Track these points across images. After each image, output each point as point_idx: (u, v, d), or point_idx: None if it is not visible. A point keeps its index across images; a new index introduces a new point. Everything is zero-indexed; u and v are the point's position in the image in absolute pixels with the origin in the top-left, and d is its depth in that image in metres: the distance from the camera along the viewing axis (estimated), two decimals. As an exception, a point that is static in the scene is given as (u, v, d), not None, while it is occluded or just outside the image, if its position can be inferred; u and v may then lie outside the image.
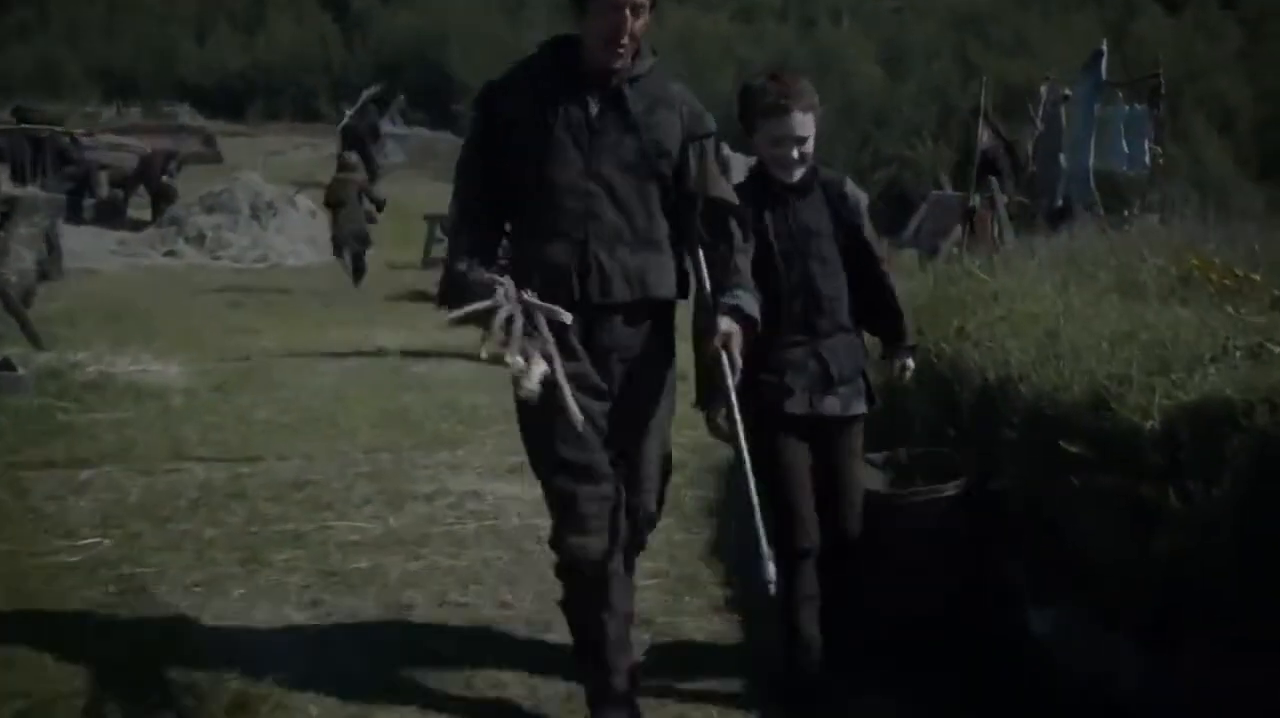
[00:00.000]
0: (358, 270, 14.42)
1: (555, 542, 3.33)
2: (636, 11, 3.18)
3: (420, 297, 12.69)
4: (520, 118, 3.27)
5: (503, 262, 3.32)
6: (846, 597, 3.71)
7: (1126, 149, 14.78)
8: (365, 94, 24.93)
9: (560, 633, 3.76)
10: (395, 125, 33.87)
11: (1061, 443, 3.51)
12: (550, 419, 3.14)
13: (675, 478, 3.76)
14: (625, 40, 3.21)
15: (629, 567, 3.48)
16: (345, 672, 3.82)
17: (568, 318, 3.12)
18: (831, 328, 3.67)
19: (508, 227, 3.42)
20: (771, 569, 2.98)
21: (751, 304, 3.32)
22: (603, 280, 3.26)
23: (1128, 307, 4.66)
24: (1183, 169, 23.96)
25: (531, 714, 3.61)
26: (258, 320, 12.03)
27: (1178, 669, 3.22)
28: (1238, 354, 3.53)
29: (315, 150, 28.20)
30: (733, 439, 3.23)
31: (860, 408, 3.74)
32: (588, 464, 3.24)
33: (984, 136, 13.23)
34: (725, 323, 3.26)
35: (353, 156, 15.61)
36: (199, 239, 19.35)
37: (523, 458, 3.50)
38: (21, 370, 7.81)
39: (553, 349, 3.06)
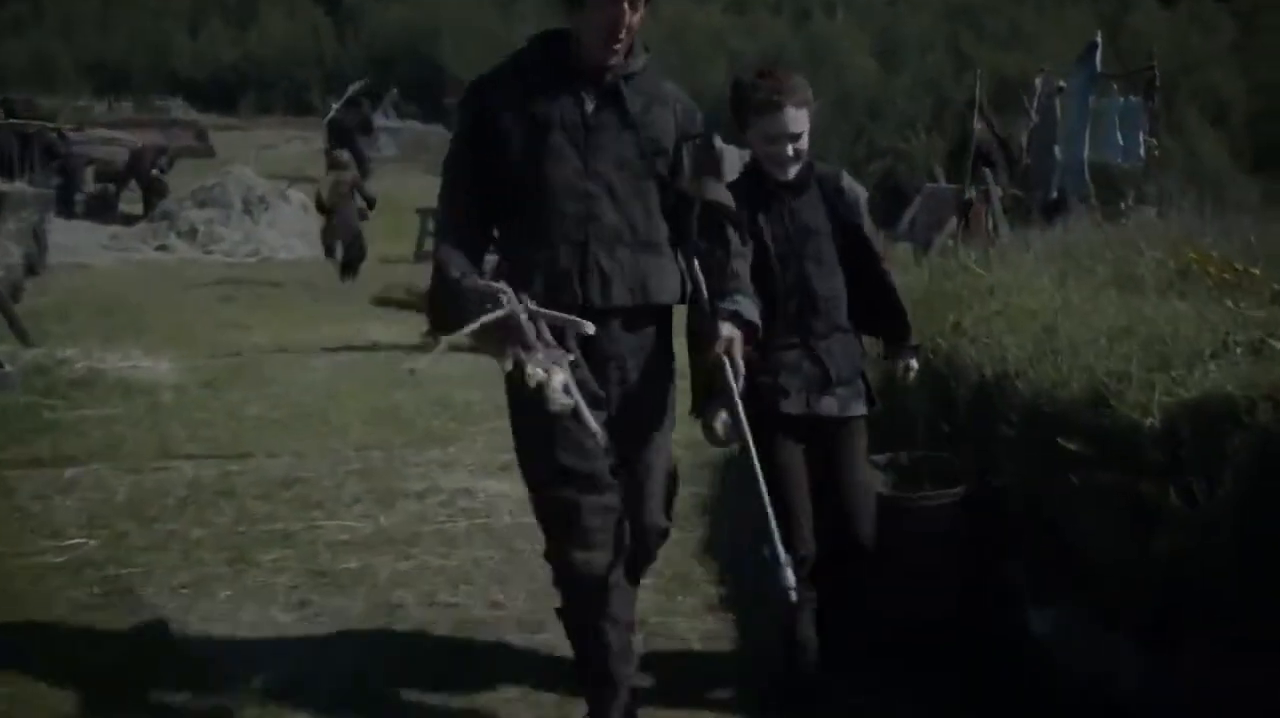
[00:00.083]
0: (347, 265, 14.38)
1: (555, 556, 3.21)
2: (634, 4, 3.07)
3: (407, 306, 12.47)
4: (512, 116, 3.14)
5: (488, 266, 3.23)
6: (849, 599, 3.65)
7: (1121, 141, 14.75)
8: (351, 88, 24.92)
9: (553, 634, 3.71)
10: (388, 119, 33.81)
11: (1060, 440, 3.46)
12: (551, 426, 3.04)
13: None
14: (623, 35, 3.10)
15: (634, 580, 3.39)
16: (333, 675, 3.77)
17: (589, 328, 2.98)
18: (827, 329, 3.59)
19: (495, 232, 3.29)
20: (790, 576, 2.90)
21: (751, 309, 3.23)
22: (604, 284, 3.14)
23: (1126, 301, 4.61)
24: (1177, 161, 23.92)
25: (524, 719, 3.55)
26: (249, 315, 11.97)
27: (1178, 669, 3.18)
28: (1238, 350, 3.48)
29: (307, 144, 28.06)
30: (741, 445, 3.13)
31: (859, 409, 3.66)
32: (591, 473, 3.12)
33: (978, 129, 13.18)
34: (727, 328, 3.17)
35: (344, 154, 15.58)
36: (191, 234, 19.31)
37: (515, 455, 3.37)
38: (9, 367, 7.76)
39: (572, 357, 2.97)
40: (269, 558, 4.75)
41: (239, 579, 4.53)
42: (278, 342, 10.15)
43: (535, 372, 2.86)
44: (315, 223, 16.69)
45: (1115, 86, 15.49)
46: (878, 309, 3.70)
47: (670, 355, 3.33)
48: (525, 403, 3.10)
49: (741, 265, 3.28)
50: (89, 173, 20.38)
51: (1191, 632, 3.11)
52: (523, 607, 4.30)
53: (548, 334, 2.95)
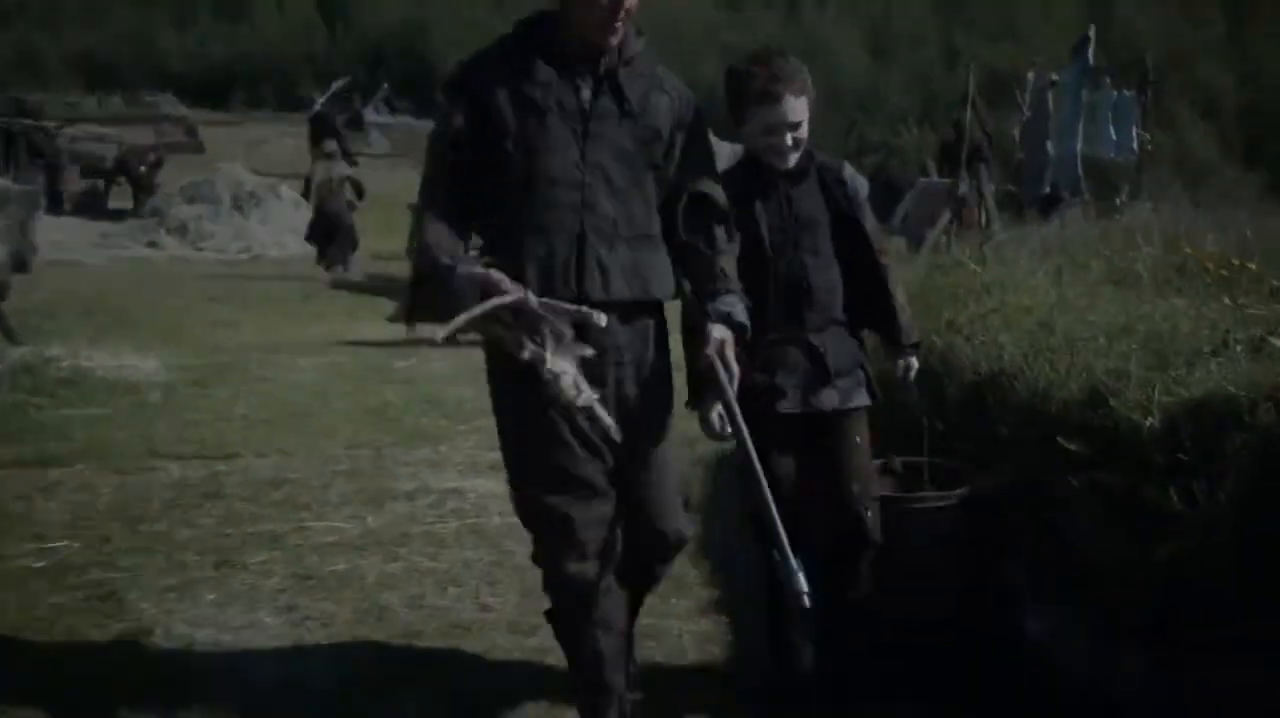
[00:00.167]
0: (336, 255, 14.41)
1: (546, 564, 3.12)
2: None
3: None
4: (504, 101, 2.97)
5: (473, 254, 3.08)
6: (850, 597, 3.54)
7: (1114, 135, 14.75)
8: (335, 84, 24.95)
9: (543, 638, 3.65)
10: (379, 114, 33.81)
11: (1060, 440, 3.40)
12: (546, 428, 2.96)
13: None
14: (623, 17, 2.96)
15: (647, 589, 3.31)
16: (320, 681, 3.71)
17: (603, 319, 2.85)
18: (822, 322, 3.48)
19: (479, 220, 3.12)
20: (803, 581, 2.78)
21: (742, 311, 3.11)
22: (603, 276, 2.99)
23: (1123, 298, 4.57)
24: (1168, 155, 23.94)
25: (513, 725, 3.49)
26: (239, 313, 11.91)
27: (1178, 670, 3.13)
28: (1239, 348, 3.43)
29: (298, 140, 27.88)
30: (740, 451, 3.01)
31: (862, 400, 3.53)
32: (588, 481, 3.01)
33: (969, 123, 13.15)
34: (719, 330, 3.05)
35: (331, 144, 15.60)
36: (181, 230, 19.26)
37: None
38: (-5, 366, 7.69)
39: (591, 351, 2.86)
40: (256, 561, 4.68)
41: (225, 583, 4.47)
42: (267, 340, 10.08)
43: (555, 365, 2.77)
44: (306, 219, 16.66)
45: (1108, 80, 15.48)
46: (874, 305, 3.59)
47: (667, 350, 3.20)
48: (514, 401, 3.04)
49: (729, 263, 3.15)
50: (75, 170, 20.25)
51: (1192, 633, 3.06)
52: (513, 610, 4.24)
53: (559, 325, 2.82)
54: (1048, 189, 14.17)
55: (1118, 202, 10.54)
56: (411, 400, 7.63)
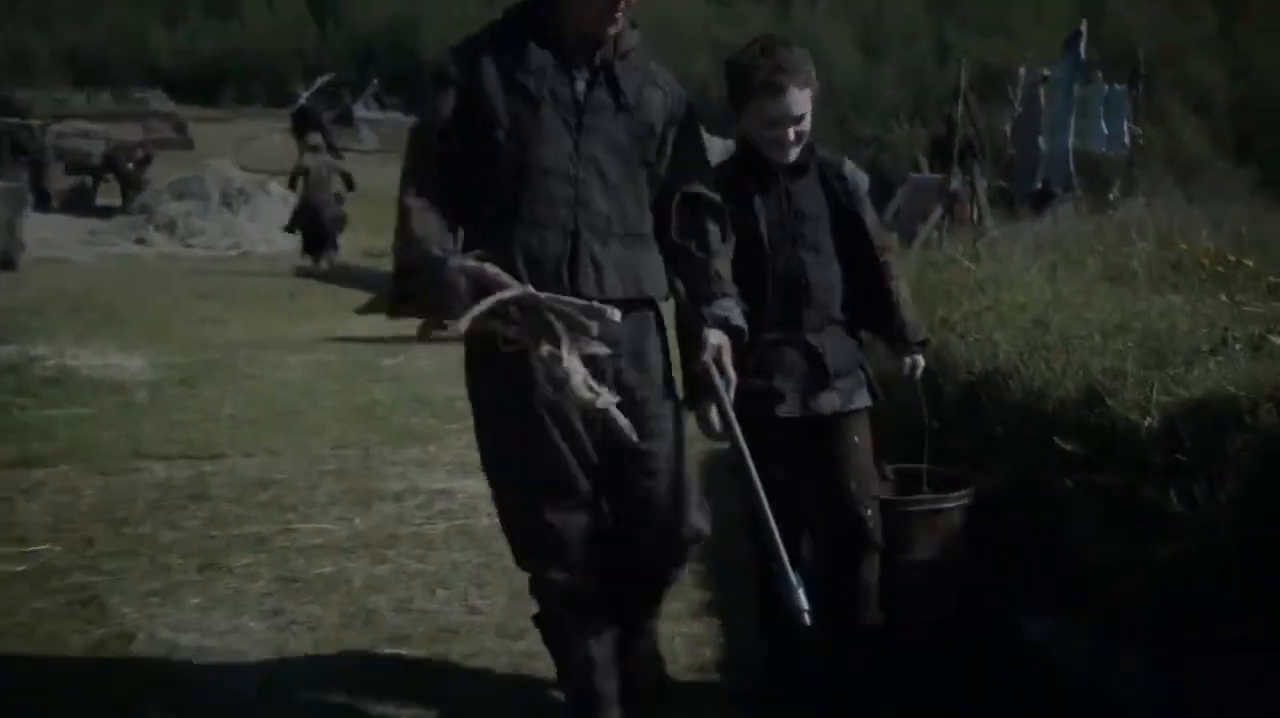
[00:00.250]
0: (320, 247, 14.43)
1: (535, 577, 3.05)
2: None
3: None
4: (496, 90, 2.85)
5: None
6: (853, 613, 3.42)
7: (1105, 130, 14.73)
8: (320, 80, 24.96)
9: (531, 641, 3.57)
10: (369, 110, 33.78)
11: (1057, 440, 3.35)
12: (533, 434, 2.87)
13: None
14: (623, 8, 2.86)
15: (661, 592, 3.22)
16: (305, 686, 3.64)
17: (616, 315, 2.72)
18: (821, 321, 3.37)
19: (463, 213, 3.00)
20: (803, 598, 2.71)
21: (739, 315, 3.03)
22: (597, 273, 2.89)
23: (1118, 295, 4.53)
24: (1160, 150, 23.96)
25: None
26: (227, 310, 11.85)
27: (1178, 671, 3.08)
28: (1238, 347, 3.39)
29: (288, 136, 27.87)
30: (738, 464, 2.91)
31: (863, 401, 3.41)
32: (573, 487, 2.93)
33: (960, 118, 13.12)
34: (715, 336, 2.97)
35: (315, 137, 15.60)
36: (169, 227, 19.24)
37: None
38: (-21, 365, 7.63)
39: (607, 350, 2.76)
40: (241, 563, 4.61)
41: (209, 586, 4.40)
42: (256, 337, 10.02)
43: (569, 363, 2.67)
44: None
45: (1099, 75, 15.46)
46: (875, 304, 3.48)
47: (665, 340, 3.08)
48: (497, 402, 2.95)
49: (724, 265, 3.06)
50: (60, 167, 20.18)
51: (1192, 633, 3.01)
52: (501, 613, 4.17)
53: (573, 321, 2.71)
54: (1040, 184, 14.14)
55: (1110, 197, 10.50)
56: (400, 399, 7.58)
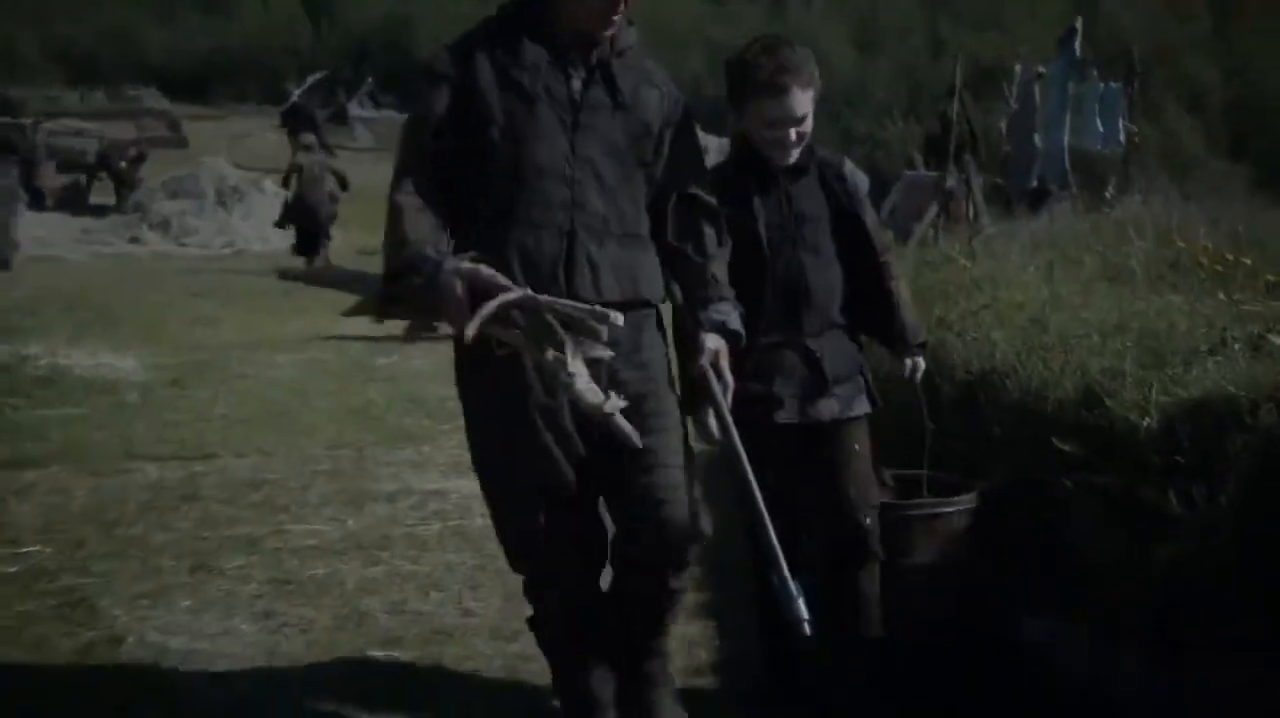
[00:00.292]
0: (310, 245, 14.44)
1: (529, 584, 3.02)
2: None
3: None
4: (487, 88, 2.80)
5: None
6: (853, 623, 3.36)
7: (1101, 128, 14.73)
8: (311, 77, 24.97)
9: (525, 643, 3.53)
10: (364, 109, 33.75)
11: (1055, 441, 3.32)
12: (526, 439, 2.82)
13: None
14: (623, 9, 2.81)
15: (664, 603, 3.03)
16: (297, 690, 3.60)
17: (620, 319, 2.66)
18: (821, 325, 3.31)
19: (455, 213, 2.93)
20: (803, 608, 2.66)
21: (736, 319, 2.97)
22: (593, 275, 2.83)
23: (1116, 294, 4.50)
24: (1155, 148, 23.97)
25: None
26: (220, 309, 11.83)
27: (1178, 671, 3.05)
28: (1237, 347, 3.36)
29: (282, 134, 27.82)
30: (736, 470, 2.85)
31: (863, 408, 3.35)
32: (568, 491, 2.87)
33: (953, 115, 13.11)
34: (712, 340, 2.91)
35: (309, 137, 15.62)
36: (163, 226, 19.22)
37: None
38: (-29, 366, 7.60)
39: (610, 353, 2.70)
40: (233, 565, 4.57)
41: (201, 588, 4.36)
42: (249, 337, 9.99)
43: (574, 367, 2.62)
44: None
45: (1094, 72, 15.46)
46: (876, 306, 3.42)
47: (662, 337, 3.02)
48: (489, 405, 2.90)
49: (720, 269, 3.00)
50: (51, 166, 20.14)
51: (1192, 634, 2.99)
52: (495, 615, 4.14)
53: (577, 324, 2.65)
54: (1035, 182, 14.13)
55: (1107, 195, 10.48)
56: (394, 399, 7.55)
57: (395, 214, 2.83)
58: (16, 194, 16.22)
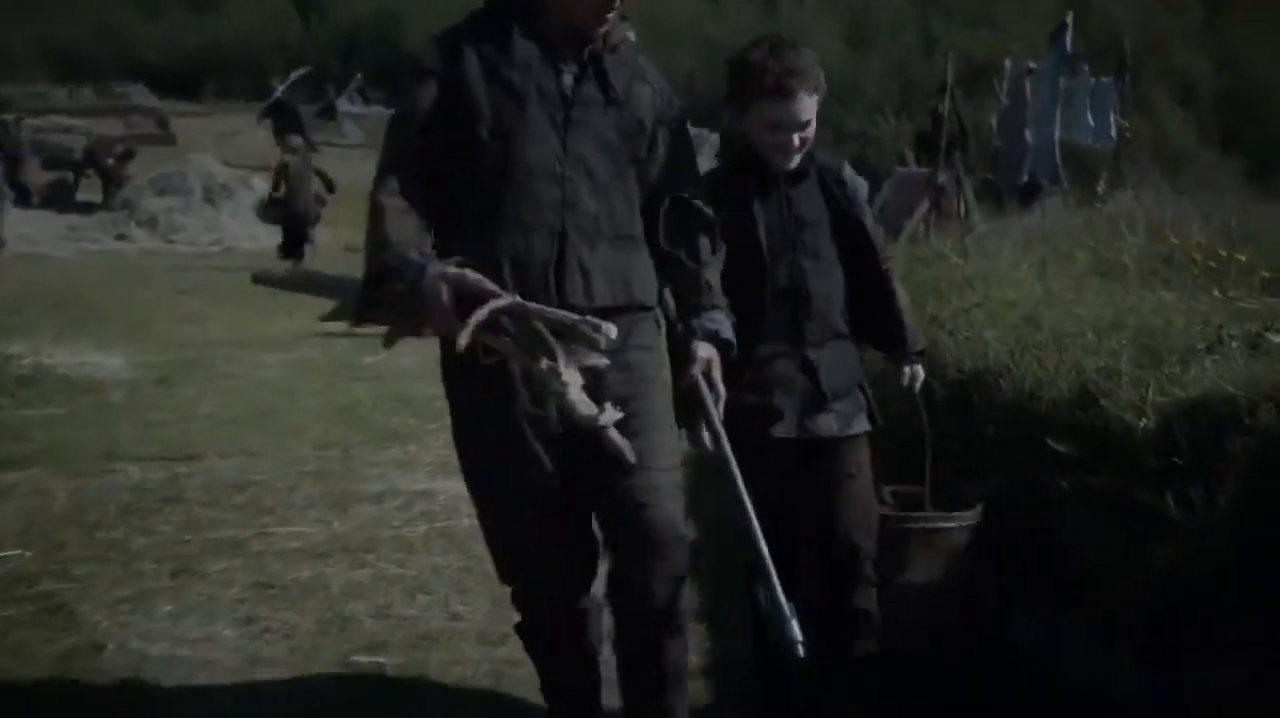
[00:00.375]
0: (292, 246, 14.42)
1: (517, 594, 2.94)
2: None
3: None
4: (475, 84, 2.70)
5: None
6: (847, 638, 3.24)
7: (1092, 122, 14.72)
8: (295, 74, 24.92)
9: (513, 648, 3.47)
10: (353, 105, 33.64)
11: (1050, 442, 3.26)
12: (515, 447, 2.73)
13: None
14: (619, 5, 2.73)
15: (655, 626, 2.80)
16: (278, 698, 3.54)
17: (613, 331, 2.57)
18: (822, 334, 3.20)
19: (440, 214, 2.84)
20: (796, 629, 2.58)
21: (729, 328, 2.88)
22: (585, 279, 2.73)
23: (1110, 290, 4.45)
24: (1146, 142, 23.96)
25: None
26: (208, 307, 11.75)
27: (1176, 673, 3.00)
28: (1234, 345, 3.31)
29: (271, 131, 27.77)
30: (729, 486, 2.76)
31: (862, 426, 3.23)
32: (557, 501, 2.78)
33: (944, 112, 13.07)
34: (704, 349, 2.82)
35: (296, 139, 15.59)
36: (151, 223, 19.16)
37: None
38: (-47, 365, 7.54)
39: (605, 362, 2.61)
40: (215, 569, 4.51)
41: (182, 593, 4.29)
42: (236, 335, 9.93)
43: (569, 377, 2.53)
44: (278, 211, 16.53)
45: (1086, 67, 15.45)
46: (876, 312, 3.32)
47: (653, 341, 2.92)
48: (477, 413, 2.81)
49: (714, 276, 2.91)
50: (36, 162, 20.06)
51: (1190, 635, 2.93)
52: (482, 619, 4.08)
53: (569, 332, 2.57)
54: (1026, 177, 14.10)
55: (1098, 190, 10.45)
56: (381, 398, 7.49)
57: (377, 215, 2.72)
58: (1, 191, 16.14)
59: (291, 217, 14.85)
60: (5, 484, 5.55)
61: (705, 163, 3.31)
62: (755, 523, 2.70)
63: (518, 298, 2.60)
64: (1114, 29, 27.96)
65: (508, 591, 3.04)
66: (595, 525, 2.91)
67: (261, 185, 19.34)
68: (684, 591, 2.82)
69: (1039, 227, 6.76)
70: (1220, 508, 2.79)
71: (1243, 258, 4.72)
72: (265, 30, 46.56)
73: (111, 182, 20.05)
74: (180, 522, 5.07)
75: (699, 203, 2.93)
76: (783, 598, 2.61)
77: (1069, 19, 14.72)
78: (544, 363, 2.56)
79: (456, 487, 5.35)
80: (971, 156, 14.06)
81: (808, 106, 3.15)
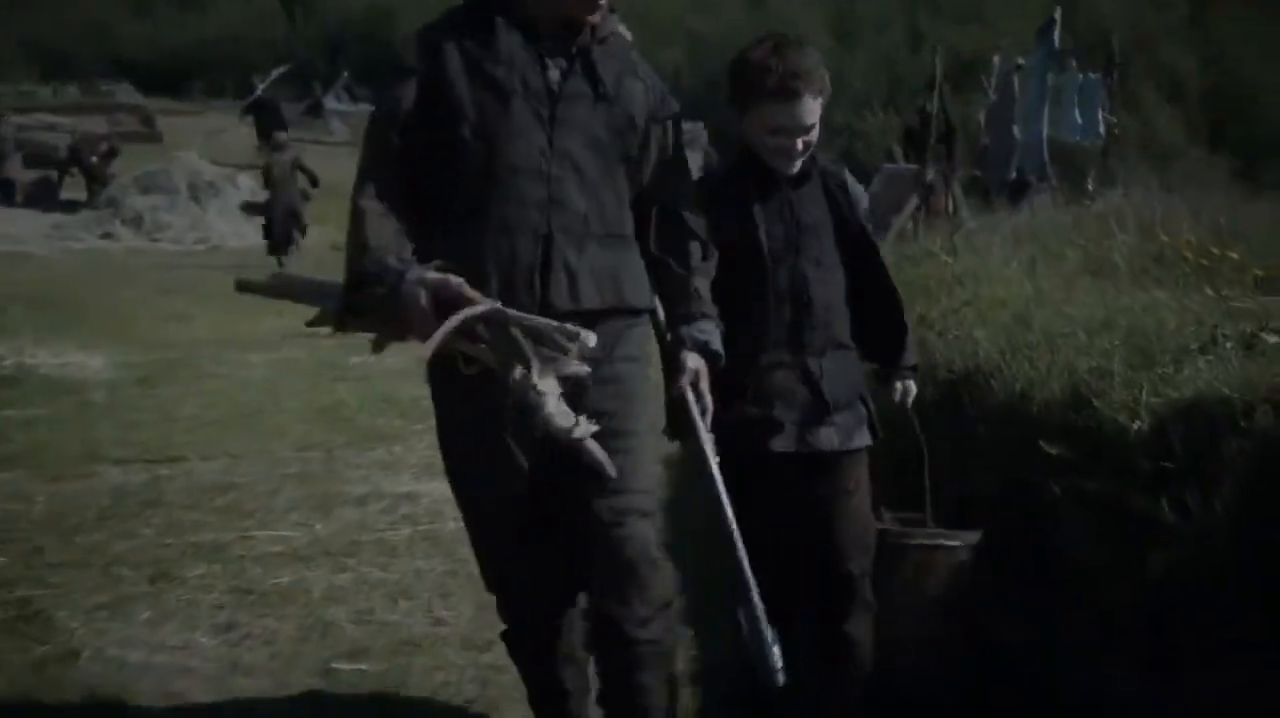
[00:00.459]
0: (281, 244, 14.40)
1: (503, 604, 2.90)
2: None
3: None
4: (462, 79, 2.61)
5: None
6: (842, 665, 3.16)
7: (1080, 119, 14.69)
8: (275, 71, 24.90)
9: (498, 653, 3.41)
10: (340, 102, 33.56)
11: (1042, 444, 3.21)
12: (500, 459, 2.66)
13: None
14: None
15: (634, 645, 2.68)
16: (257, 705, 3.48)
17: (592, 339, 2.48)
18: (824, 343, 3.09)
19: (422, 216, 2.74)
20: (777, 655, 2.53)
21: (719, 339, 2.81)
22: (571, 282, 2.64)
23: (1101, 289, 4.40)
24: (1134, 138, 23.97)
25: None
26: (192, 306, 11.69)
27: (1173, 679, 2.95)
28: (1229, 345, 3.25)
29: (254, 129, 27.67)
30: (711, 497, 2.70)
31: (864, 440, 3.11)
32: (541, 514, 2.72)
33: (933, 108, 13.03)
34: (693, 359, 2.75)
35: (282, 135, 15.58)
36: (136, 221, 19.08)
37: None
38: (-67, 366, 7.47)
39: (586, 369, 2.51)
40: (194, 574, 4.44)
41: (160, 599, 4.22)
42: (220, 334, 9.86)
43: (544, 387, 2.45)
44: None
45: (1074, 63, 15.42)
46: (877, 323, 3.20)
47: (641, 361, 2.82)
48: (462, 422, 2.73)
49: (704, 284, 2.83)
50: (17, 159, 19.96)
51: (1187, 639, 2.88)
52: (466, 624, 4.02)
53: (547, 340, 2.48)
54: (1014, 173, 14.07)
55: (1088, 187, 10.41)
56: (366, 398, 7.43)
57: (357, 219, 2.65)
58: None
59: (276, 212, 14.82)
60: (-16, 487, 5.48)
61: (696, 159, 3.23)
62: (740, 544, 2.63)
63: (497, 304, 2.52)
64: (1102, 25, 27.96)
65: (493, 596, 2.98)
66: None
67: (248, 183, 19.27)
68: (664, 618, 2.71)
69: (1028, 224, 6.71)
70: (1217, 513, 2.74)
71: (1235, 255, 4.67)
72: (252, 28, 46.47)
73: (95, 179, 19.95)
74: (160, 525, 5.00)
75: (689, 210, 2.85)
76: (764, 624, 2.56)
77: (1057, 15, 14.69)
78: (517, 372, 2.49)
79: (441, 489, 5.29)
80: (959, 152, 14.01)
81: (812, 109, 3.03)
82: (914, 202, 12.32)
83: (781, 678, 2.52)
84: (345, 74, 34.90)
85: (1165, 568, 2.86)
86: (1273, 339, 3.18)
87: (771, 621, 2.65)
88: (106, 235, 18.43)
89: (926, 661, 3.39)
